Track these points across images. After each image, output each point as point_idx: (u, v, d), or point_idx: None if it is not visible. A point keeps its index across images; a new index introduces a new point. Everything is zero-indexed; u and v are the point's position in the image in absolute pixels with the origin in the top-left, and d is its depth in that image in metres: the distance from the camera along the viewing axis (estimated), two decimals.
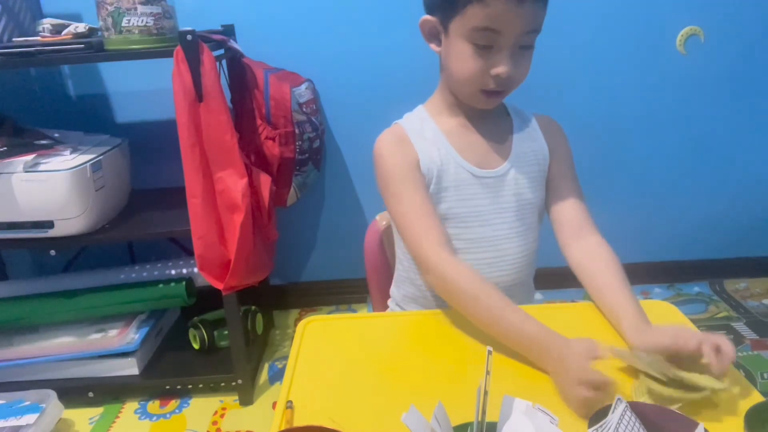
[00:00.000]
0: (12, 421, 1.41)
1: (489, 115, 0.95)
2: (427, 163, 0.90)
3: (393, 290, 1.07)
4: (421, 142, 0.91)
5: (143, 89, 1.81)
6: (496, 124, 0.96)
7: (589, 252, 0.90)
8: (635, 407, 0.54)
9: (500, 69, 0.82)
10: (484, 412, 0.50)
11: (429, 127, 0.93)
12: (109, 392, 1.68)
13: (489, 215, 0.92)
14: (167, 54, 1.30)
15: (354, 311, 2.10)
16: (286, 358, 1.80)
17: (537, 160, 0.96)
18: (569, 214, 0.95)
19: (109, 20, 1.30)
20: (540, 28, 0.83)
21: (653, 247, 2.13)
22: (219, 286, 1.45)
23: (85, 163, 1.41)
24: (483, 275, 0.84)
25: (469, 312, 0.81)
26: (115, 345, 1.59)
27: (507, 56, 0.82)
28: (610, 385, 0.64)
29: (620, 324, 0.78)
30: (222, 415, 1.60)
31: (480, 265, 0.93)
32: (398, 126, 0.95)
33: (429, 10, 0.88)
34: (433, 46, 0.90)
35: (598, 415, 0.54)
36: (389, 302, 1.10)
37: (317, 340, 0.83)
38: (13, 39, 1.48)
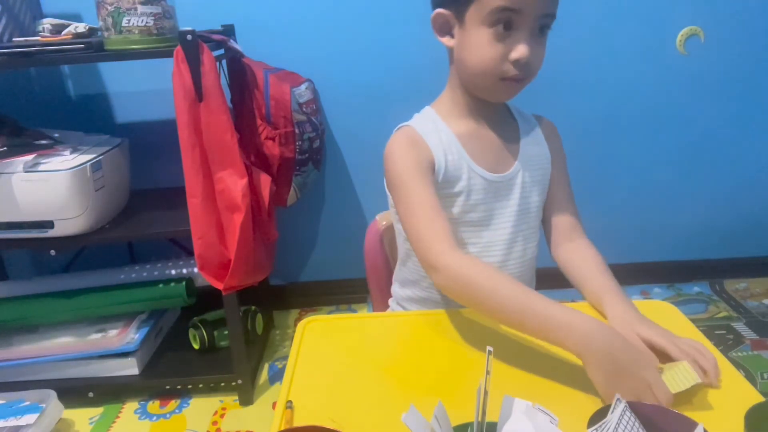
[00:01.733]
0: (12, 421, 1.41)
1: (498, 118, 0.94)
2: (441, 166, 0.88)
3: (396, 290, 1.06)
4: (435, 145, 0.89)
5: (143, 89, 1.81)
6: (505, 128, 0.95)
7: (575, 251, 0.94)
8: (634, 407, 0.54)
9: (520, 52, 0.80)
10: (484, 412, 0.50)
11: (442, 129, 0.91)
12: (109, 392, 1.67)
13: (497, 219, 0.92)
14: (167, 54, 1.30)
15: (354, 311, 2.10)
16: (286, 358, 1.80)
17: (542, 164, 0.96)
18: (562, 218, 0.98)
19: (109, 20, 1.30)
20: (555, 14, 0.82)
21: (653, 247, 2.13)
22: (219, 286, 1.45)
23: (85, 163, 1.41)
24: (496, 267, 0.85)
25: (489, 306, 0.75)
26: (115, 345, 1.59)
27: (526, 39, 0.80)
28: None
29: (604, 310, 0.82)
30: (222, 415, 1.60)
31: None
32: (410, 128, 0.91)
33: (440, 4, 0.86)
34: (445, 39, 0.88)
35: (598, 415, 0.54)
36: (390, 301, 1.10)
37: (317, 340, 0.83)
38: (13, 39, 1.48)
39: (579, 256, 0.93)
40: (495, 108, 0.93)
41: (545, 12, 0.80)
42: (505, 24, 0.79)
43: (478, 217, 0.92)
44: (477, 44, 0.82)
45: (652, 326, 0.75)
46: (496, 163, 0.92)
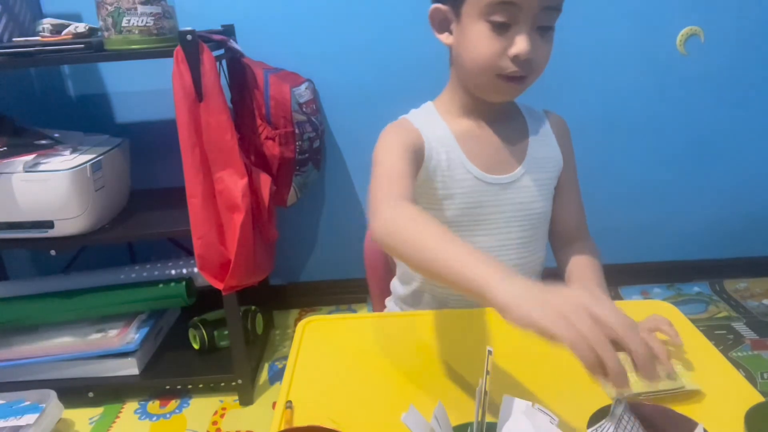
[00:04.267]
0: (12, 421, 1.41)
1: (503, 116, 0.90)
2: (431, 157, 0.84)
3: (396, 287, 1.03)
4: (429, 138, 0.85)
5: (143, 89, 1.81)
6: (511, 126, 0.90)
7: (572, 254, 0.93)
8: (634, 407, 0.54)
9: (519, 47, 0.75)
10: (483, 412, 0.50)
11: (439, 127, 0.87)
12: (109, 392, 1.67)
13: (495, 224, 0.89)
14: (167, 54, 1.30)
15: (354, 311, 2.10)
16: (286, 358, 1.80)
17: (550, 168, 0.92)
18: (569, 222, 0.96)
19: (109, 20, 1.30)
20: (560, 7, 0.77)
21: (653, 247, 2.13)
22: (219, 286, 1.45)
23: (85, 163, 1.41)
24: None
25: (408, 253, 0.63)
26: (115, 345, 1.59)
27: (526, 34, 0.75)
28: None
29: None
30: (222, 415, 1.60)
31: None
32: (406, 120, 0.89)
33: None
34: (444, 36, 0.84)
35: (597, 416, 0.54)
36: (387, 300, 1.08)
37: (317, 340, 0.83)
38: (13, 39, 1.48)
39: (574, 260, 0.92)
40: (498, 107, 0.89)
41: (547, 5, 0.75)
42: (503, 17, 0.75)
43: (472, 220, 0.88)
44: (474, 39, 0.78)
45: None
46: (497, 164, 0.88)
